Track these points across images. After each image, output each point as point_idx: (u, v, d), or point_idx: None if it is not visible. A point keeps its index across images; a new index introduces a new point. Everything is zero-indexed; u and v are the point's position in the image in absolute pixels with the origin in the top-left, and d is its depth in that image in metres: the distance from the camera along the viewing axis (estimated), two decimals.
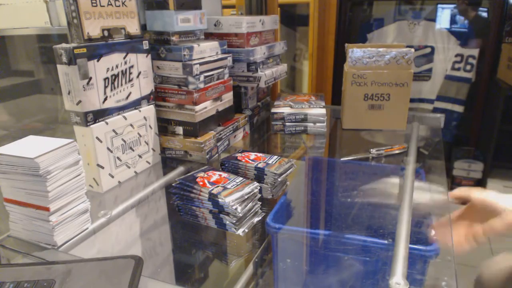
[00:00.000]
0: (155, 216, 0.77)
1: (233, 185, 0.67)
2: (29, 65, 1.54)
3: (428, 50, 2.02)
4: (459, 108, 2.04)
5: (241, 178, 0.70)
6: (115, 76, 0.80)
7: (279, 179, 0.74)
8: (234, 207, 0.62)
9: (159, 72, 0.92)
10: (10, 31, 1.39)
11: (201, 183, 0.67)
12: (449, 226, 0.64)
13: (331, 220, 0.79)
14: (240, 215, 0.63)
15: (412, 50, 1.08)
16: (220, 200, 0.63)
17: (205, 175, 0.71)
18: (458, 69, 1.98)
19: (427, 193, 0.78)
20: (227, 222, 0.64)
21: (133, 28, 0.83)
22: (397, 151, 0.97)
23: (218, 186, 0.66)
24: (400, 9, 2.07)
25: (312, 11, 1.92)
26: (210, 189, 0.65)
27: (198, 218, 0.68)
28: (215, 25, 1.08)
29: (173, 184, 0.69)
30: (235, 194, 0.64)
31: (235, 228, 0.64)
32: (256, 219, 0.68)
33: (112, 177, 0.81)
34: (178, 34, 0.90)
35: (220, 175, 0.71)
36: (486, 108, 2.04)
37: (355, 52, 1.09)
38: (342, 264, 0.62)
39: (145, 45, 0.86)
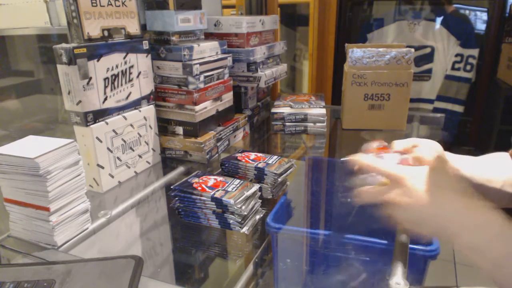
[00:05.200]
0: (155, 216, 0.77)
1: (234, 187, 0.67)
2: (29, 65, 1.54)
3: (428, 50, 2.01)
4: (459, 108, 2.03)
5: (238, 180, 0.70)
6: (115, 76, 0.80)
7: (279, 179, 0.74)
8: (238, 206, 0.62)
9: (159, 72, 0.92)
10: (10, 31, 1.39)
11: (199, 188, 0.67)
12: None
13: (331, 220, 0.79)
14: (245, 213, 0.63)
15: (412, 50, 1.07)
16: (224, 200, 0.63)
17: (200, 180, 0.70)
18: (458, 69, 1.97)
19: None
20: (232, 221, 0.64)
21: (133, 28, 0.83)
22: None
23: (218, 190, 0.66)
24: (400, 9, 2.07)
25: (312, 11, 1.92)
26: (211, 193, 0.65)
27: (200, 219, 0.68)
28: (215, 25, 1.08)
29: (171, 187, 0.69)
30: (237, 195, 0.64)
31: (240, 227, 0.64)
32: (258, 217, 0.68)
33: (112, 177, 0.81)
34: (178, 34, 0.90)
35: (215, 179, 0.70)
36: (486, 108, 2.04)
37: (355, 52, 1.09)
38: (342, 264, 0.62)
39: (145, 45, 0.86)
